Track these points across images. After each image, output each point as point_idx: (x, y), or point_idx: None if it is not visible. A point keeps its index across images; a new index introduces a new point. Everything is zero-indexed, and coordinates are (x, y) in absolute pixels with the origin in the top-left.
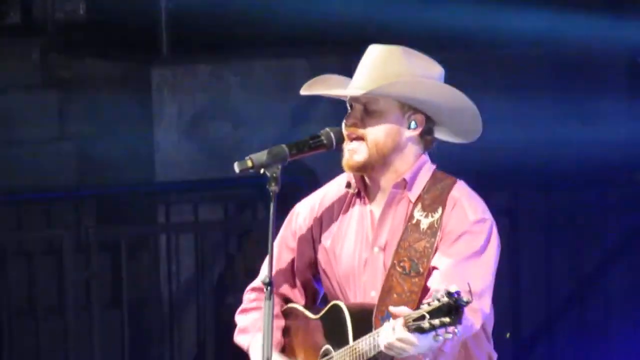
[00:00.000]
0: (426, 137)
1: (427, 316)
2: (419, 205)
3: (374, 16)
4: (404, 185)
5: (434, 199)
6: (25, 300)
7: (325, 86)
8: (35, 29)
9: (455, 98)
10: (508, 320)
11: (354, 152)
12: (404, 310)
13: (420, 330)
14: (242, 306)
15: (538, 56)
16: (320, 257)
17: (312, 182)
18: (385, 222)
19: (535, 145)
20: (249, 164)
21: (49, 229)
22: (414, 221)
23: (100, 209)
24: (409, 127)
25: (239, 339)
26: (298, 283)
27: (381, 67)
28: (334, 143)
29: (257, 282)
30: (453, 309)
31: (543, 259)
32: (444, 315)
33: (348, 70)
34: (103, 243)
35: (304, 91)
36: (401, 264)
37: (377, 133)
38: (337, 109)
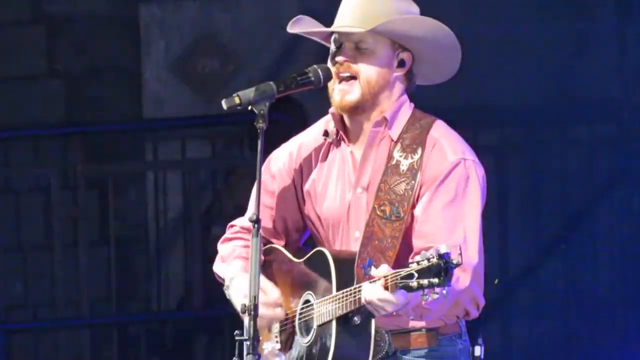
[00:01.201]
0: (410, 76)
1: (416, 275)
2: (399, 146)
3: None
4: (385, 123)
5: (413, 138)
6: (13, 237)
7: (310, 25)
8: None
9: (445, 34)
10: (495, 259)
11: (346, 93)
12: (382, 271)
13: (408, 289)
14: (224, 236)
15: None
16: (304, 203)
17: (300, 119)
18: (367, 162)
19: (524, 81)
20: (237, 101)
21: (36, 166)
22: (394, 162)
23: (88, 146)
24: (398, 66)
25: (217, 267)
26: (278, 227)
27: (369, 5)
28: (322, 80)
29: (240, 221)
30: (442, 270)
31: (531, 197)
32: (433, 276)
33: (336, 7)
34: (90, 180)
35: (293, 29)
36: (382, 208)
37: (370, 71)
38: (325, 46)
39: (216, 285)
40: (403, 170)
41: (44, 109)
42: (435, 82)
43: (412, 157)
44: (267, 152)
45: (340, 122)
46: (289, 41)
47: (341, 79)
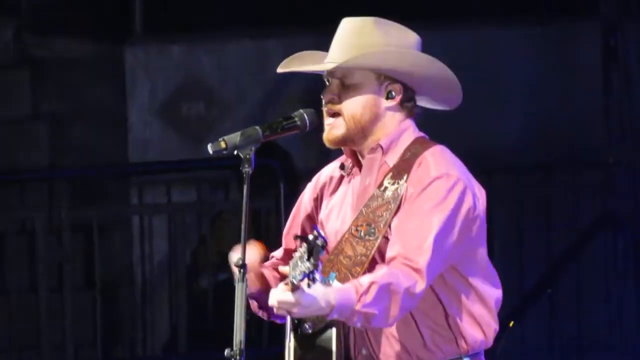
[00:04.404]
0: (406, 104)
1: (299, 263)
2: (391, 173)
3: None
4: (380, 150)
5: (403, 165)
6: None
7: (301, 62)
8: (9, 7)
9: (429, 66)
10: None
11: (333, 127)
12: (286, 268)
13: (294, 283)
14: None
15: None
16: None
17: (286, 164)
18: (364, 189)
19: (509, 125)
20: (223, 145)
21: (21, 210)
22: (382, 188)
23: (73, 190)
24: (387, 98)
25: None
26: None
27: (354, 39)
28: (308, 124)
29: (276, 252)
30: (309, 251)
31: (515, 240)
32: (307, 260)
33: (322, 49)
34: (76, 224)
35: (281, 69)
36: (358, 229)
37: (354, 107)
38: (311, 89)
39: (201, 329)
40: (387, 196)
41: (29, 153)
42: (446, 109)
43: (397, 183)
44: (252, 196)
45: (352, 155)
46: (275, 85)
47: (329, 114)
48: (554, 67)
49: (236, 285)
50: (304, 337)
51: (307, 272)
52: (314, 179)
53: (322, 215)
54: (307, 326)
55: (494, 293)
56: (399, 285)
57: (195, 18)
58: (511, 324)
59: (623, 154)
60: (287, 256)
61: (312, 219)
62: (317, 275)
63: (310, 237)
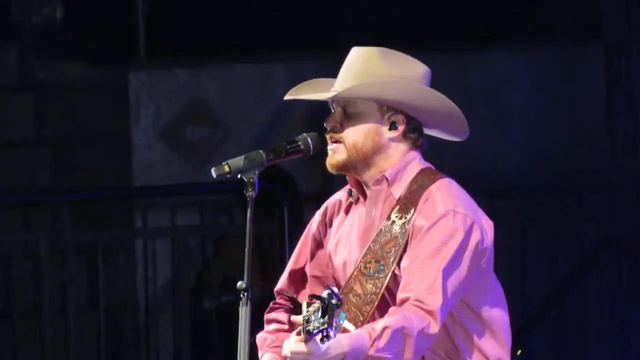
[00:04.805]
0: (410, 135)
1: (313, 318)
2: (398, 206)
3: (352, 20)
4: (386, 182)
5: (410, 197)
6: (2, 303)
7: (309, 89)
8: (12, 32)
9: (429, 98)
10: None
11: (335, 152)
12: (299, 318)
13: (308, 334)
14: (271, 304)
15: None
16: (328, 261)
17: (290, 187)
18: (370, 221)
19: (511, 147)
20: (226, 169)
21: (25, 233)
22: (390, 222)
23: (77, 213)
24: (390, 128)
25: (258, 340)
26: (315, 286)
27: (357, 68)
28: (311, 148)
29: (279, 283)
30: (323, 310)
31: (518, 264)
32: (321, 317)
33: (325, 75)
34: (80, 247)
35: (288, 96)
36: (367, 265)
37: (355, 136)
38: (315, 113)
39: (205, 352)
40: (395, 231)
41: (33, 176)
42: (456, 140)
43: (405, 217)
44: (256, 220)
45: (356, 183)
46: (279, 109)
47: (332, 141)
48: (558, 88)
49: (240, 308)
50: None
51: (321, 328)
52: (323, 206)
53: (330, 245)
54: None
55: (506, 329)
56: (412, 329)
57: (199, 41)
58: (519, 352)
59: (627, 175)
60: (293, 285)
61: (320, 246)
62: (332, 333)
63: (325, 294)
